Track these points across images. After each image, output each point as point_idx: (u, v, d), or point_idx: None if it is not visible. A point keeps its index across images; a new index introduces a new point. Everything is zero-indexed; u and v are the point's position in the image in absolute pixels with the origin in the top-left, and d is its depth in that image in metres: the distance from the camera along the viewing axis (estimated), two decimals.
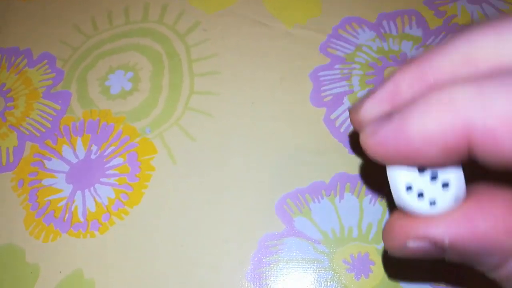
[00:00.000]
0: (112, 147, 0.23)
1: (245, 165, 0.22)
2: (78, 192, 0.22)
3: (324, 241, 0.20)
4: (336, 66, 0.23)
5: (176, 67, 0.25)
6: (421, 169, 0.11)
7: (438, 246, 0.11)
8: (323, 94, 0.23)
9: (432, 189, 0.11)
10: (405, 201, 0.12)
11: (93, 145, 0.23)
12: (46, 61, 0.26)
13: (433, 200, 0.11)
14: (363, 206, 0.20)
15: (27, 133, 0.24)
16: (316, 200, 0.21)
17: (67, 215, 0.22)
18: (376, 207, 0.20)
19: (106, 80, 0.25)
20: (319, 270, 0.20)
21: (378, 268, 0.19)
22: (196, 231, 0.21)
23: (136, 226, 0.21)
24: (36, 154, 0.23)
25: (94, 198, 0.22)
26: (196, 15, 0.26)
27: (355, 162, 0.21)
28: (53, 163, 0.23)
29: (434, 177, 0.11)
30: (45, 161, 0.23)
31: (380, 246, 0.20)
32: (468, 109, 0.10)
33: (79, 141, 0.23)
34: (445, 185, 0.11)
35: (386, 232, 0.13)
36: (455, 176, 0.11)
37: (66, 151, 0.23)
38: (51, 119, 0.24)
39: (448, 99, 0.10)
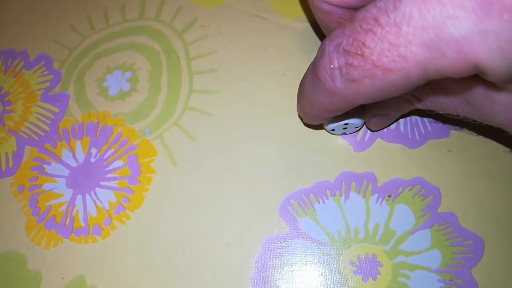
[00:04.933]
0: (112, 150, 0.23)
1: (247, 165, 0.21)
2: (79, 197, 0.22)
3: (330, 243, 0.19)
4: None
5: (174, 66, 0.24)
6: None
7: None
8: None
9: None
10: None
11: (93, 148, 0.23)
12: (43, 62, 0.25)
13: None
14: (369, 206, 0.20)
15: (26, 137, 0.24)
16: (320, 201, 0.20)
17: (68, 220, 0.22)
18: (382, 206, 0.20)
19: (104, 81, 0.24)
20: (325, 273, 0.19)
21: (386, 270, 0.19)
22: (198, 234, 0.20)
23: (138, 230, 0.21)
24: (36, 159, 0.23)
25: (95, 202, 0.22)
26: (193, 11, 0.25)
27: (360, 160, 0.21)
28: (53, 168, 0.23)
29: None
30: (45, 166, 0.23)
31: (388, 247, 0.19)
32: None
33: (78, 145, 0.23)
34: None
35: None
36: None
37: (66, 155, 0.23)
38: (49, 122, 0.24)
39: None
